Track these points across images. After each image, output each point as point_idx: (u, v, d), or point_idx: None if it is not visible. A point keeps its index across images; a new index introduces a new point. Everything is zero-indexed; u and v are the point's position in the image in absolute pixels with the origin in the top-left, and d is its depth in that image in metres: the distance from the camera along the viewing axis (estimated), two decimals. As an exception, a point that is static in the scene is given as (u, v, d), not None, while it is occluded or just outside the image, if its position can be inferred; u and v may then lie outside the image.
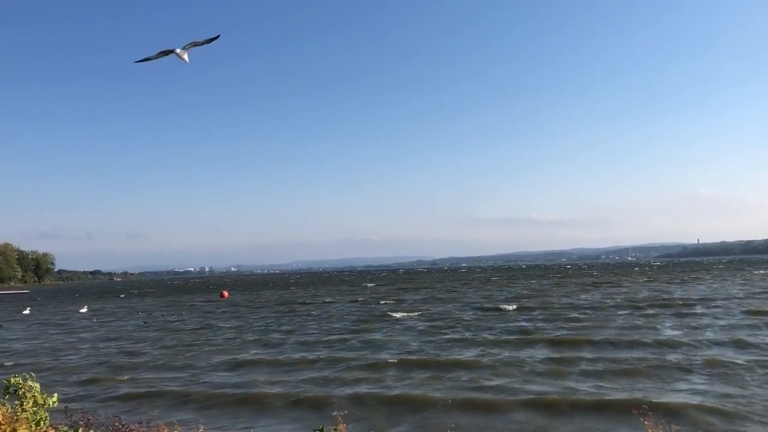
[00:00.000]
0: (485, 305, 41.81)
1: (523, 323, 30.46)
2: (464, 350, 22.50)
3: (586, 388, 15.77)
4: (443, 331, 28.26)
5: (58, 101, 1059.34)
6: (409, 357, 21.28)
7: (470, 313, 37.08)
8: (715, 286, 57.00)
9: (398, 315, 37.73)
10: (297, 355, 22.98)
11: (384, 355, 21.96)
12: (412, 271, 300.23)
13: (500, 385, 16.41)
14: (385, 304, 49.69)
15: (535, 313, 35.29)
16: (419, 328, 30.25)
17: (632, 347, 21.49)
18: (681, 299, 40.16)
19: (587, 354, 20.66)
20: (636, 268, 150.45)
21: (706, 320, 28.56)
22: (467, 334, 26.80)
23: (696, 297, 42.05)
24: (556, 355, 20.77)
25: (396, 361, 20.61)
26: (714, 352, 19.71)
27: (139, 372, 21.43)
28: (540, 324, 29.70)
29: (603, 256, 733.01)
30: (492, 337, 25.32)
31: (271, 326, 34.82)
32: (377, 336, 27.62)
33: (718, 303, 37.03)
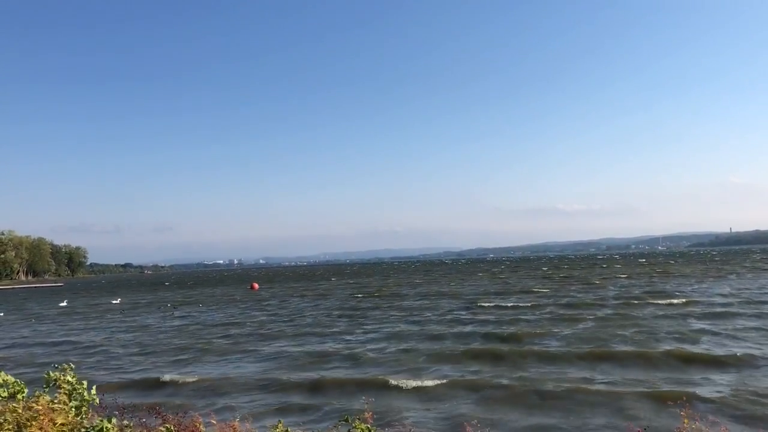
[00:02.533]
0: (485, 302, 38.59)
1: (512, 327, 25.93)
2: (413, 366, 18.38)
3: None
4: (410, 336, 24.51)
5: (81, 101, 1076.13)
6: (327, 374, 17.62)
7: (463, 311, 33.58)
8: (748, 276, 55.46)
9: (377, 312, 35.54)
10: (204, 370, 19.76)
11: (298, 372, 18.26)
12: (436, 262, 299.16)
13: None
14: (378, 298, 48.15)
15: (536, 313, 31.39)
16: (383, 330, 27.28)
17: (639, 364, 17.13)
18: (712, 297, 35.53)
19: (569, 371, 16.33)
20: (667, 258, 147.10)
21: (740, 323, 24.01)
22: (436, 343, 22.50)
23: (727, 293, 37.86)
24: (521, 373, 16.21)
25: (317, 378, 17.03)
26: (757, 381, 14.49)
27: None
28: (532, 328, 25.05)
29: (633, 246, 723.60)
30: (461, 347, 21.00)
31: (224, 326, 33.08)
32: (326, 344, 23.96)
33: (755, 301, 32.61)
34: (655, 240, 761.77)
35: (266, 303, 49.57)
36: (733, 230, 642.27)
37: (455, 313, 33.25)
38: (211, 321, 36.10)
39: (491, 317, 30.20)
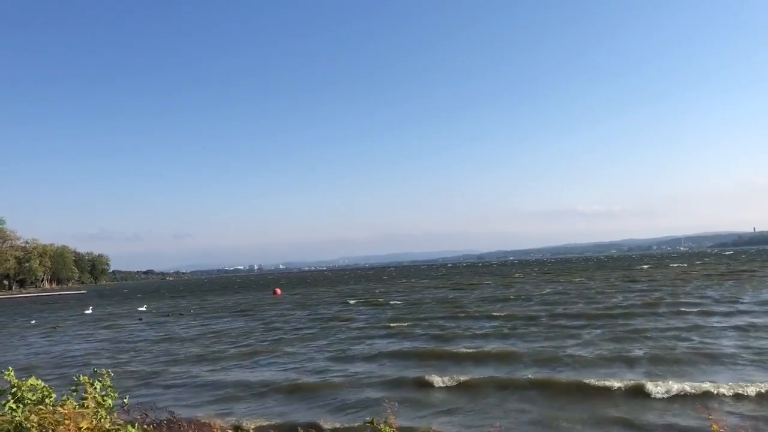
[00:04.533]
0: (481, 311, 35.92)
1: (496, 344, 23.07)
2: (341, 403, 15.22)
3: None
4: (374, 358, 21.65)
5: (98, 110, 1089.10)
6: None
7: (450, 322, 31.28)
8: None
9: (358, 324, 33.46)
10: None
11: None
12: (459, 265, 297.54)
13: None
14: (372, 306, 46.64)
15: (532, 324, 28.24)
16: (346, 348, 24.58)
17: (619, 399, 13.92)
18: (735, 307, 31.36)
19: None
20: (701, 260, 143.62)
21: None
22: (389, 367, 19.64)
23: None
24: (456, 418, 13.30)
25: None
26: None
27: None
28: (520, 346, 21.94)
29: (654, 247, 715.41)
30: (409, 373, 17.93)
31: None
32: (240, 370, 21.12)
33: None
34: (677, 240, 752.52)
35: (261, 312, 48.39)
36: (757, 230, 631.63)
37: (439, 323, 30.89)
38: (187, 334, 34.47)
39: (479, 331, 27.29)
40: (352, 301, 52.69)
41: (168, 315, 51.61)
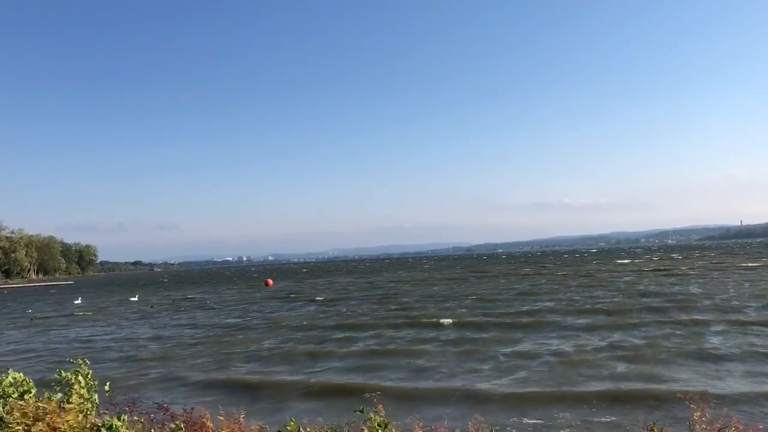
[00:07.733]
0: (438, 314, 31.13)
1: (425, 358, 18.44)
2: None
3: None
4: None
5: (81, 101, 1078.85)
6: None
7: (400, 330, 26.15)
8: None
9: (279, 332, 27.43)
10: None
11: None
12: (447, 258, 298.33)
13: None
14: (320, 304, 43.25)
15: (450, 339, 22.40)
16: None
17: None
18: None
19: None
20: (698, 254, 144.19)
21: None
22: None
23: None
24: None
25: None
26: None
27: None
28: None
29: (643, 240, 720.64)
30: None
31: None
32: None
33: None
34: (665, 234, 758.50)
35: (208, 310, 43.72)
36: (743, 223, 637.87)
37: (376, 337, 24.96)
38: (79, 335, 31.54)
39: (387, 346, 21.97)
40: (297, 298, 50.62)
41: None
